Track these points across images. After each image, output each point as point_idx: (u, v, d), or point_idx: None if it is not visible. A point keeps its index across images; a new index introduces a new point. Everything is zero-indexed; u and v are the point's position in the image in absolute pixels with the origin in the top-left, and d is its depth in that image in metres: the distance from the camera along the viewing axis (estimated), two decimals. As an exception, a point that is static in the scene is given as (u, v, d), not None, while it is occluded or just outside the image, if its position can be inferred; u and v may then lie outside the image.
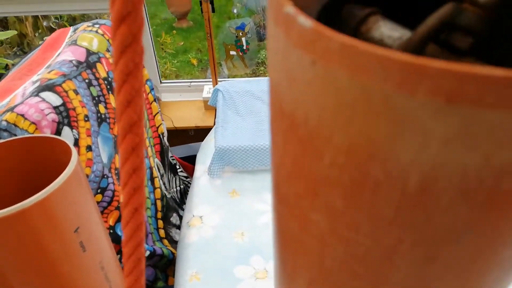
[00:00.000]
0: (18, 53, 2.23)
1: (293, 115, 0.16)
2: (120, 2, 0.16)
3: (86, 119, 0.82)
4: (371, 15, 0.18)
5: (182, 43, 2.76)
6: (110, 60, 0.97)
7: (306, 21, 0.14)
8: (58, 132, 0.75)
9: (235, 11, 2.59)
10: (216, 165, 1.11)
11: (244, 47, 1.95)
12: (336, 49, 0.13)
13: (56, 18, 2.27)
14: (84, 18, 2.35)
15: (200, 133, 1.55)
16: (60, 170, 0.60)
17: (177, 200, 1.26)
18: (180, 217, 1.18)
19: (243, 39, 1.95)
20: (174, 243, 1.11)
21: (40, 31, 2.25)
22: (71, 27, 1.04)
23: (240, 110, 1.31)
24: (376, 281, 0.18)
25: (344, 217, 0.17)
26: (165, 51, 2.69)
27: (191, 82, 1.82)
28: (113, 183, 0.88)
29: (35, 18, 2.18)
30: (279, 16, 0.15)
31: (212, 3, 1.53)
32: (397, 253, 0.17)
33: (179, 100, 1.80)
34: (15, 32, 1.83)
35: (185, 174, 1.33)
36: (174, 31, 2.84)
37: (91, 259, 0.64)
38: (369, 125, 0.13)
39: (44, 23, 2.25)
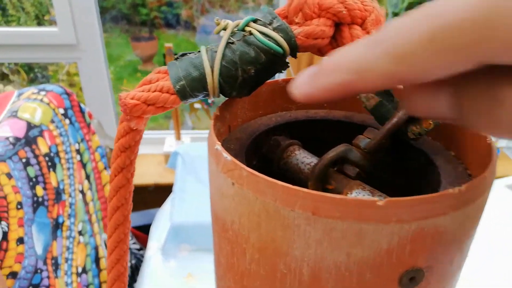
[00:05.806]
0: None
1: (224, 220, 0.21)
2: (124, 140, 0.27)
3: (19, 206, 0.72)
4: (291, 145, 0.26)
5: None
6: (54, 132, 0.87)
7: (227, 156, 0.20)
8: (-19, 227, 0.64)
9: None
10: (171, 244, 1.01)
11: (209, 101, 1.88)
12: (245, 176, 0.19)
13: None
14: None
15: (160, 191, 1.42)
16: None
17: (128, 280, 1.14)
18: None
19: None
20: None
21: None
22: (16, 91, 0.94)
23: (202, 177, 1.23)
24: None
25: None
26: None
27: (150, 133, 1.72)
28: (48, 277, 0.77)
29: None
30: (212, 150, 0.22)
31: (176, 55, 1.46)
32: None
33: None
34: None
35: (138, 246, 1.21)
36: (139, 74, 2.74)
37: None
38: (270, 229, 0.19)
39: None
